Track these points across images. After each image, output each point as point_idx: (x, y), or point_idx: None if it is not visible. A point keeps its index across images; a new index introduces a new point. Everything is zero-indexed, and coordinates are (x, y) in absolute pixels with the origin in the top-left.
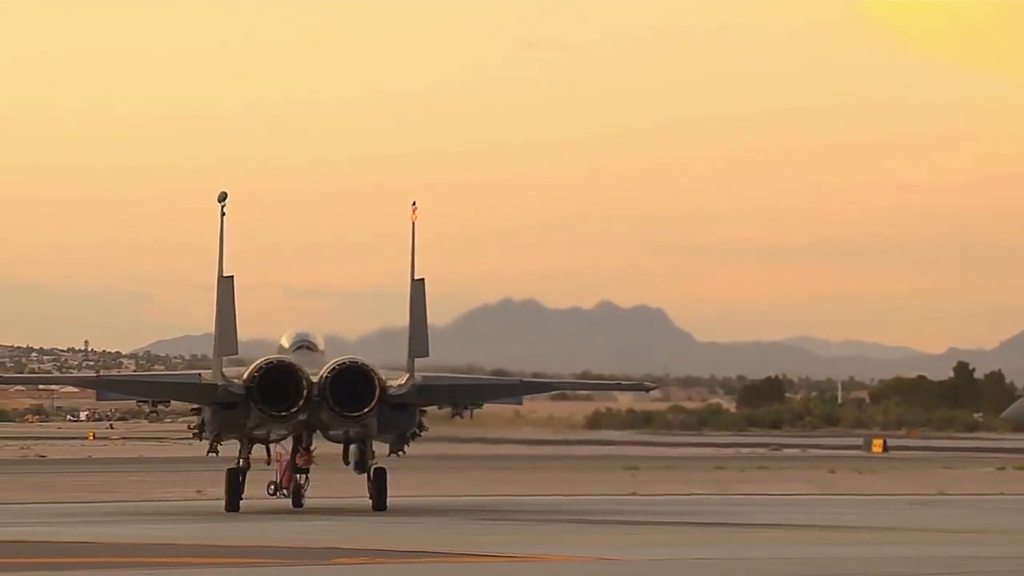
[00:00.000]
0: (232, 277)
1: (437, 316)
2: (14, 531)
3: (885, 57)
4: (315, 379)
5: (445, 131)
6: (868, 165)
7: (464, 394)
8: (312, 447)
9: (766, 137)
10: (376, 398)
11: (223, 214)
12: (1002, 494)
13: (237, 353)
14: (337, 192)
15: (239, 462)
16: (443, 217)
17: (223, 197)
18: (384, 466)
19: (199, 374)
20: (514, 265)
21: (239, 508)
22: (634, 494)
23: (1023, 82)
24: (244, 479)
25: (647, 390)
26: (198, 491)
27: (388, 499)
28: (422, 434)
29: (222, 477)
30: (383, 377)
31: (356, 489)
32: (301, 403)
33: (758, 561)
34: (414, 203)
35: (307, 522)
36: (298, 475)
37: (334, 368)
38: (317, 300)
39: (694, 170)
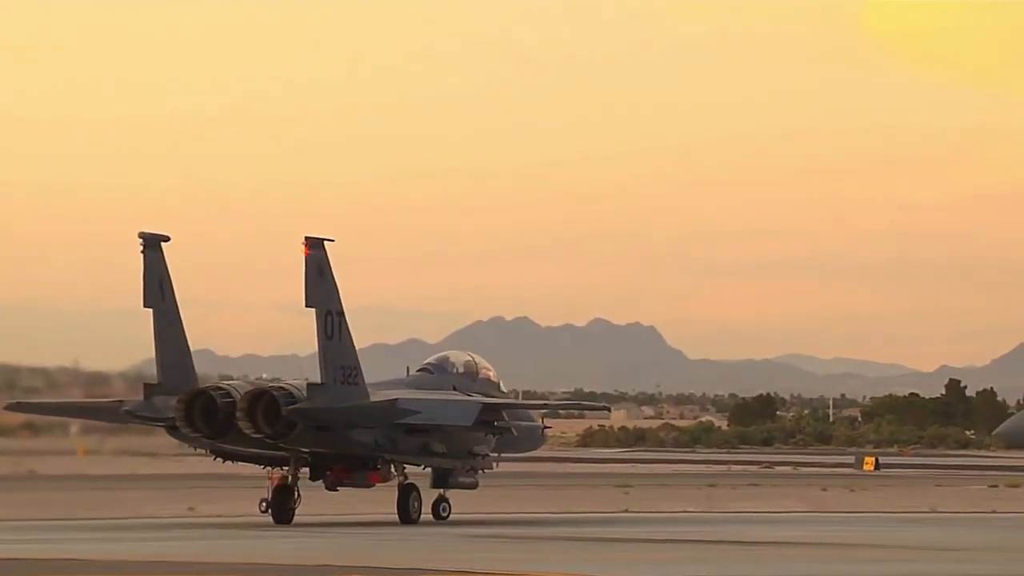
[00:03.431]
0: (152, 309)
1: (429, 333)
2: (4, 548)
3: (883, 78)
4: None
5: (433, 149)
6: (863, 185)
7: (346, 417)
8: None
9: (759, 158)
10: (278, 422)
11: (143, 252)
12: (994, 512)
13: (159, 381)
14: (330, 208)
15: (288, 478)
16: (434, 235)
17: (163, 239)
18: (413, 483)
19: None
20: (506, 282)
21: (290, 521)
22: (626, 511)
23: (1018, 104)
24: (293, 494)
25: (608, 410)
26: (190, 508)
27: (414, 513)
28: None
29: (214, 495)
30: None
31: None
32: (219, 426)
33: None
34: (305, 239)
35: (303, 539)
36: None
37: (247, 394)
38: (308, 316)
39: (687, 190)
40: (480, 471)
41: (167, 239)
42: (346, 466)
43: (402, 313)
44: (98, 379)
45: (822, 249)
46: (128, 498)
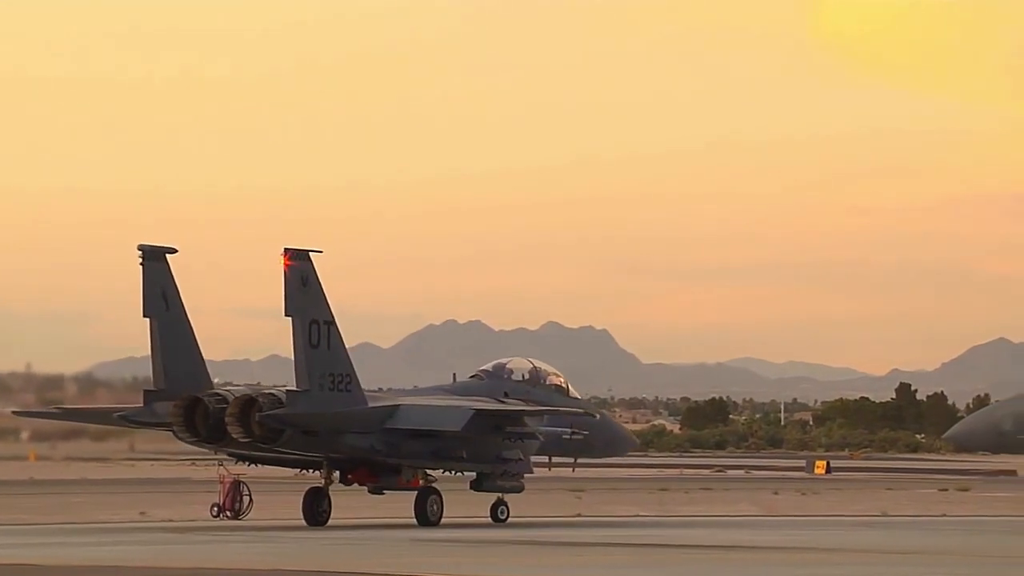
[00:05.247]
0: (152, 319)
1: (382, 337)
2: None
3: (838, 84)
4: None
5: (388, 156)
6: (816, 191)
7: (319, 422)
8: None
9: (712, 165)
10: (263, 427)
11: (142, 263)
12: (944, 515)
13: (159, 388)
14: (283, 214)
15: (322, 482)
16: (388, 240)
17: (168, 251)
18: (433, 486)
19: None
20: (459, 286)
21: (323, 524)
22: (579, 516)
23: (975, 111)
24: (323, 498)
25: (594, 416)
26: (141, 513)
27: (433, 516)
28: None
29: (166, 499)
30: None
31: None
32: (214, 431)
33: None
34: (285, 251)
35: (256, 544)
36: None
37: (236, 400)
38: (266, 319)
39: (640, 196)
40: (520, 475)
41: (173, 251)
42: (370, 470)
43: (355, 317)
44: (51, 383)
45: (774, 254)
46: (79, 503)
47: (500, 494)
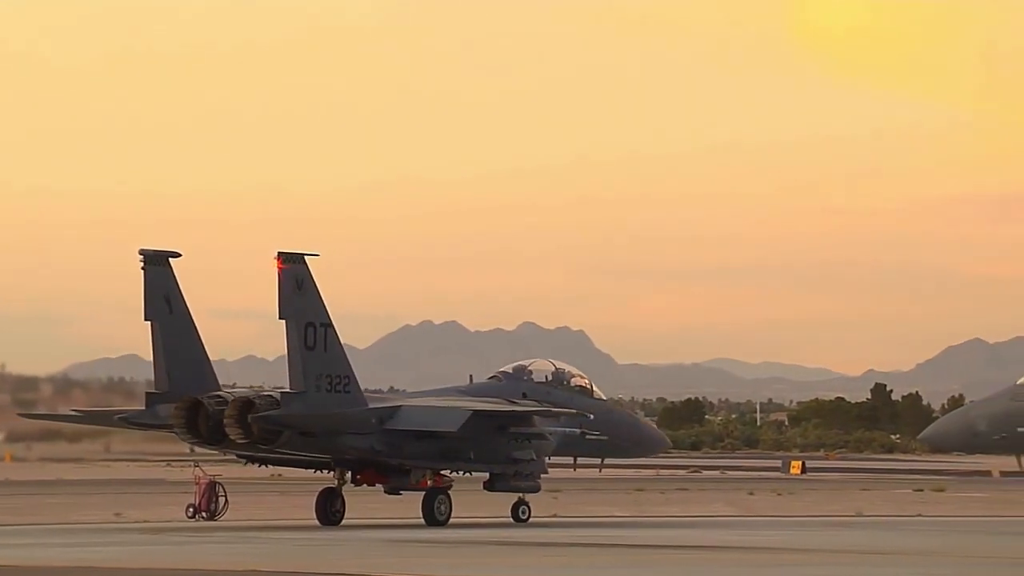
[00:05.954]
0: (153, 322)
1: (358, 338)
2: None
3: (812, 86)
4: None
5: (365, 157)
6: (791, 192)
7: (307, 424)
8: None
9: (687, 167)
10: (252, 429)
11: (143, 268)
12: (919, 515)
13: (161, 391)
14: (263, 215)
15: (336, 483)
16: (364, 240)
17: (171, 255)
18: (439, 488)
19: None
20: (434, 286)
21: (336, 524)
22: (555, 516)
23: (951, 113)
24: (336, 498)
25: (589, 417)
26: (117, 514)
27: (440, 516)
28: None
29: (141, 500)
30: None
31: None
32: (214, 432)
33: None
34: (279, 254)
35: (231, 544)
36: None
37: (234, 401)
38: (242, 320)
39: (615, 197)
40: (535, 475)
41: (176, 255)
42: (377, 471)
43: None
44: (26, 384)
45: (750, 255)
46: (54, 504)
47: (520, 494)
